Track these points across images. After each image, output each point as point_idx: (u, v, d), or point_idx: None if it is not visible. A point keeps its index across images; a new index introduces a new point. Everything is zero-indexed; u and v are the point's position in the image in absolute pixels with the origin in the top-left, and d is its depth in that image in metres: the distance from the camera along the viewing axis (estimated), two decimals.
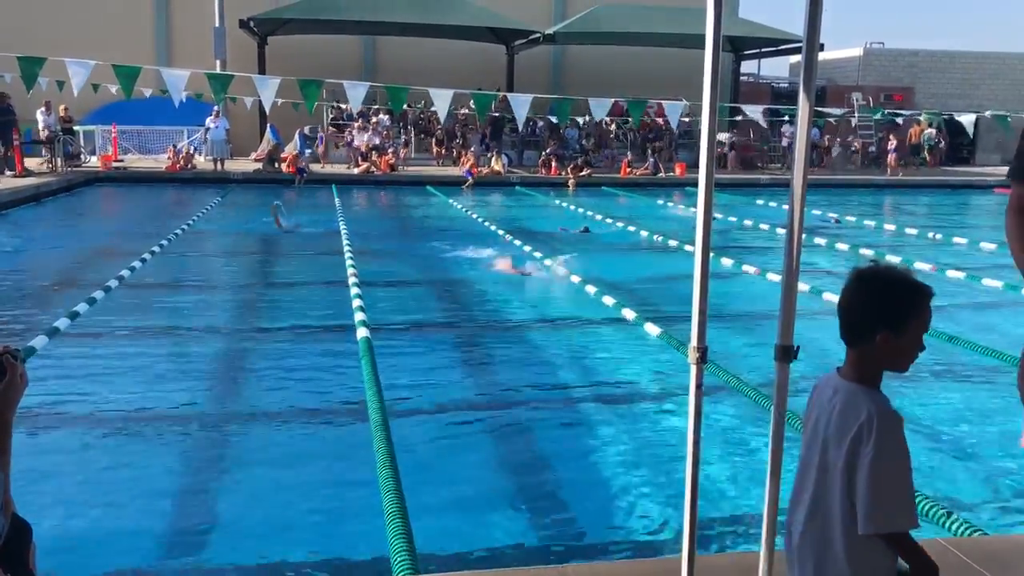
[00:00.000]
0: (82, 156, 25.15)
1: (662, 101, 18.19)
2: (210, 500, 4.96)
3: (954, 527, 4.27)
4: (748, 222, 17.56)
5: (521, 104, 11.50)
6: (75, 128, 25.44)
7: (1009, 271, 12.50)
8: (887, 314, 2.19)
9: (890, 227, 17.59)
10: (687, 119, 27.42)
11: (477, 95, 13.48)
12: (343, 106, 28.98)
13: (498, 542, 4.36)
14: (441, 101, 11.48)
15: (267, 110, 15.23)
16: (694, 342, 2.72)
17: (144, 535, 4.41)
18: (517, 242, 14.11)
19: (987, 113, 22.48)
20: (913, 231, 16.89)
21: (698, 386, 2.73)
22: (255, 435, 5.96)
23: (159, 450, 5.63)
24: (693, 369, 2.74)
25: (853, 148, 31.83)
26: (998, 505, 5.07)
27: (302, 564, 4.15)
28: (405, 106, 25.40)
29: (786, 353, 2.87)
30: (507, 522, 4.61)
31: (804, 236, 2.91)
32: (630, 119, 27.56)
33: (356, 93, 12.11)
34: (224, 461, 5.56)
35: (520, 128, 25.62)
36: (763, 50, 34.42)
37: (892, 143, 30.89)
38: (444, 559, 4.13)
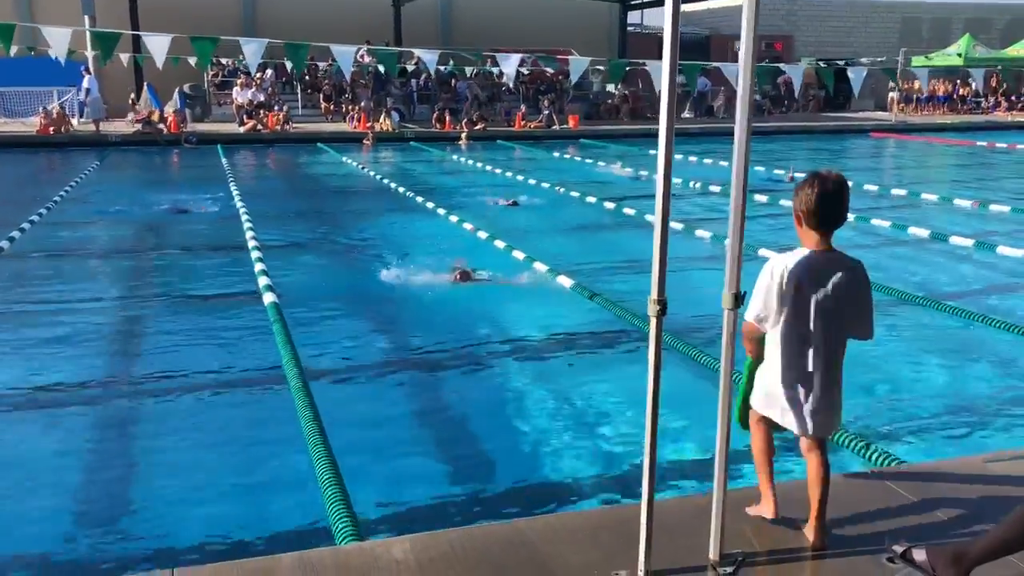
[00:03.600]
0: None
1: (568, 57, 18.05)
2: (123, 479, 4.70)
3: (873, 457, 4.47)
4: (644, 172, 17.80)
5: (429, 58, 11.23)
6: None
7: (895, 211, 13.10)
8: None
9: (779, 171, 18.11)
10: (590, 59, 27.49)
11: (381, 51, 13.10)
12: (225, 61, 27.88)
13: (440, 502, 4.32)
14: (344, 59, 11.08)
15: (159, 67, 14.43)
16: (654, 295, 2.71)
17: (53, 519, 4.15)
18: (419, 199, 13.95)
19: (865, 64, 23.25)
20: (801, 175, 17.42)
21: (657, 338, 2.73)
22: (165, 409, 5.69)
23: (60, 430, 5.32)
24: (653, 322, 2.73)
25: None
26: (903, 435, 5.32)
27: (236, 538, 4.00)
28: (288, 62, 24.59)
29: (736, 300, 2.90)
30: (448, 482, 4.57)
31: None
32: (523, 70, 27.50)
33: (252, 49, 11.57)
34: (135, 438, 5.29)
35: (433, 75, 24.92)
36: (645, 0, 34.73)
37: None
38: (386, 523, 4.06)
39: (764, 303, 3.07)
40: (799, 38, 38.20)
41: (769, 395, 3.19)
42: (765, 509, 3.36)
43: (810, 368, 3.07)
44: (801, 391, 3.09)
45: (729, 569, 3.04)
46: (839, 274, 3.05)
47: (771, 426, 3.30)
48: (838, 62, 26.51)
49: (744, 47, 2.80)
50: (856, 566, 3.08)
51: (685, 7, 35.54)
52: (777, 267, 3.07)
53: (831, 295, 3.03)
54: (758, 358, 3.24)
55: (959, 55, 33.59)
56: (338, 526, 3.74)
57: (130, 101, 25.74)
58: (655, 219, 2.66)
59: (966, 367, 6.49)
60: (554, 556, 3.12)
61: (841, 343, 3.11)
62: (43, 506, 4.27)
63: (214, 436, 5.14)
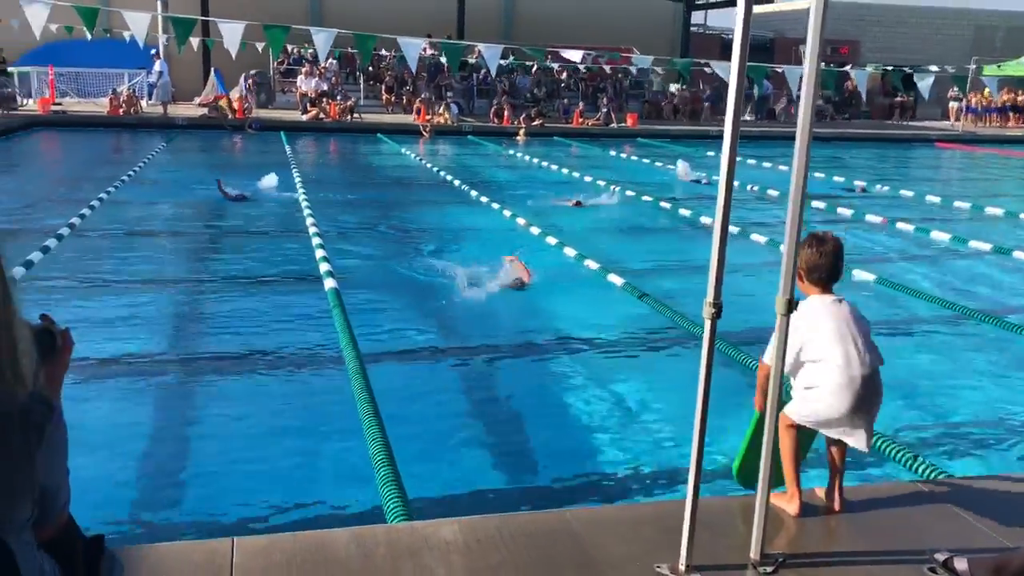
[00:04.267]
0: (17, 99, 24.18)
1: (631, 55, 18.06)
2: (188, 453, 4.91)
3: (920, 469, 4.47)
4: (701, 174, 17.71)
5: (491, 55, 11.37)
6: (9, 70, 24.46)
7: (955, 224, 12.88)
8: None
9: (839, 179, 17.88)
10: (634, 69, 27.51)
11: (446, 45, 13.27)
12: (290, 49, 28.34)
13: (489, 488, 4.43)
14: (410, 50, 11.28)
15: (232, 55, 14.75)
16: (710, 298, 2.78)
17: (123, 487, 4.36)
18: (474, 193, 14.08)
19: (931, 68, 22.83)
20: (861, 183, 17.21)
21: (711, 340, 2.80)
22: (228, 388, 5.90)
23: (127, 402, 5.54)
24: (707, 324, 2.80)
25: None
26: (952, 448, 5.29)
27: (293, 512, 4.16)
28: (351, 49, 24.88)
29: (789, 306, 2.96)
30: (497, 469, 4.69)
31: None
32: (581, 67, 27.61)
33: (322, 39, 11.82)
34: (197, 414, 5.50)
35: (493, 74, 24.91)
36: (710, 1, 34.45)
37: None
38: (436, 506, 4.18)
39: (796, 354, 3.38)
40: (866, 43, 37.56)
41: (818, 417, 3.43)
42: (791, 506, 3.50)
43: (854, 373, 3.34)
44: (849, 394, 3.35)
45: (769, 569, 3.10)
46: (848, 313, 3.45)
47: (801, 433, 3.47)
48: (904, 69, 26.06)
49: (810, 54, 2.84)
50: (896, 574, 3.12)
51: None
52: (801, 320, 3.32)
53: (849, 329, 3.39)
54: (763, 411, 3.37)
55: None
56: (390, 505, 3.87)
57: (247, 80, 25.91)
58: (715, 223, 2.74)
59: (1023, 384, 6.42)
60: (597, 546, 3.21)
61: (876, 366, 3.42)
62: (113, 475, 4.47)
63: (274, 415, 5.32)
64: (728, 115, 2.73)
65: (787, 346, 3.07)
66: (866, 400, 3.36)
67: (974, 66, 28.55)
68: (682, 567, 3.04)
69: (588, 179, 16.25)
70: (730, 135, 2.73)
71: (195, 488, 4.39)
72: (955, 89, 29.91)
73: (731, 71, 2.78)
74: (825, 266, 3.46)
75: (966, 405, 5.96)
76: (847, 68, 27.68)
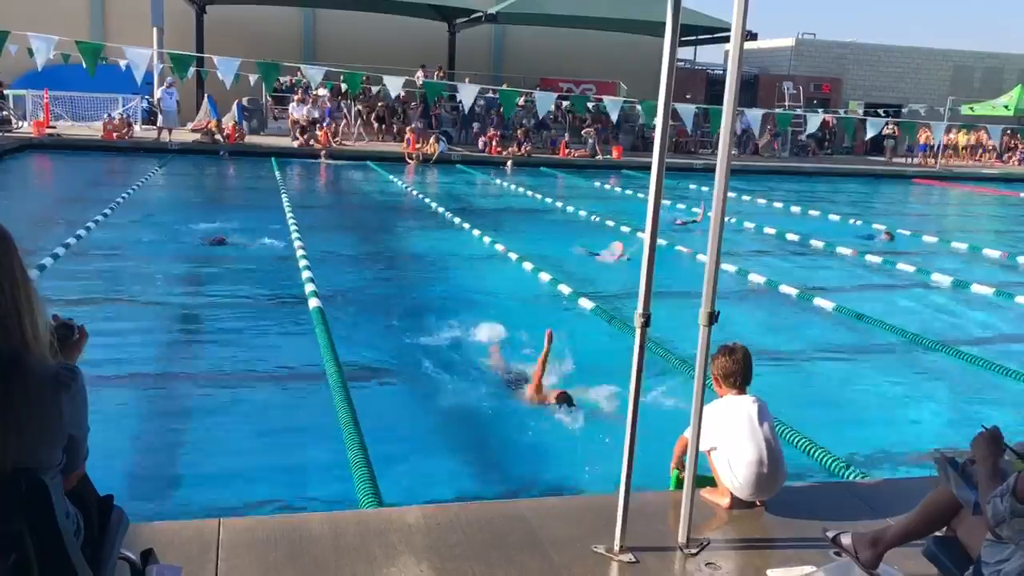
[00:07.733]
0: (12, 122, 24.58)
1: (604, 97, 18.67)
2: (182, 450, 5.32)
3: (849, 475, 4.90)
4: (681, 205, 18.23)
5: (469, 92, 11.88)
6: (5, 92, 24.89)
7: (922, 257, 13.39)
8: None
9: (814, 213, 18.45)
10: (623, 100, 28.13)
11: (428, 83, 13.80)
12: (282, 78, 28.87)
13: (453, 487, 4.84)
14: (393, 85, 11.77)
15: (227, 87, 15.23)
16: (640, 309, 3.21)
17: (130, 478, 4.77)
18: (457, 219, 14.53)
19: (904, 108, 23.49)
20: (836, 217, 17.78)
21: (641, 347, 3.23)
22: (222, 396, 6.30)
23: (115, 413, 5.93)
24: (638, 332, 3.23)
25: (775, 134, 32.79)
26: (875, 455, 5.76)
27: (276, 500, 4.55)
28: (342, 79, 25.47)
29: (710, 318, 3.39)
30: (461, 470, 5.10)
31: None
32: (566, 102, 28.28)
33: (313, 73, 12.33)
34: (193, 419, 5.91)
35: (466, 111, 25.54)
36: (699, 37, 35.20)
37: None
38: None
39: (715, 437, 3.91)
40: (848, 81, 38.43)
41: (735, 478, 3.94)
42: (723, 500, 3.95)
43: (764, 469, 3.86)
44: (757, 482, 3.90)
45: (694, 551, 3.51)
46: (759, 413, 3.96)
47: None
48: (878, 109, 26.86)
49: (729, 85, 3.28)
50: (807, 557, 3.53)
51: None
52: (718, 413, 3.96)
53: (760, 429, 3.91)
54: (679, 468, 4.07)
55: (1006, 107, 33.51)
56: (362, 496, 4.27)
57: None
58: (644, 246, 3.17)
59: (970, 407, 6.86)
60: (543, 529, 3.62)
61: (781, 459, 3.97)
62: (117, 467, 4.87)
63: (261, 420, 5.78)
64: (655, 146, 3.17)
65: (704, 436, 3.67)
66: (769, 487, 3.91)
67: (949, 105, 29.32)
68: (616, 548, 3.45)
69: (570, 209, 16.72)
70: (657, 164, 3.17)
71: (189, 479, 4.82)
72: (892, 126, 30.60)
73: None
74: (738, 371, 4.01)
75: (919, 428, 6.41)
76: (799, 109, 28.35)
